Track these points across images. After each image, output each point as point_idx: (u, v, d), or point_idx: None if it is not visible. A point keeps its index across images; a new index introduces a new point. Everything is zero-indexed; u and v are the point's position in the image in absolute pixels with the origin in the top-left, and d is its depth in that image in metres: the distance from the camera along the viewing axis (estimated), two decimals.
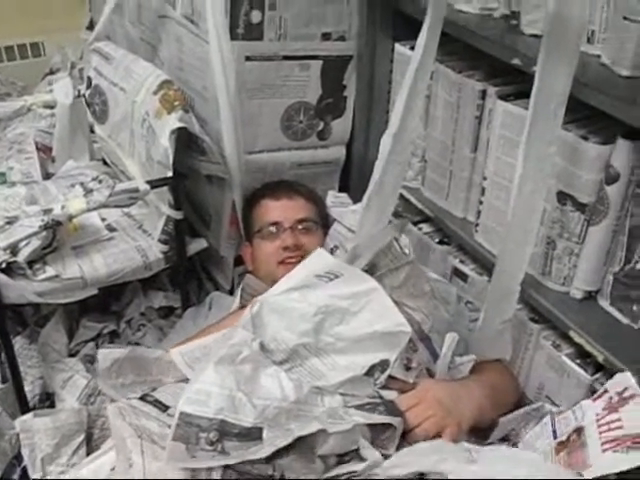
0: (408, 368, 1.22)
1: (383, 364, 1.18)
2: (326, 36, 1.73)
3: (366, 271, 1.34)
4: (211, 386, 1.05)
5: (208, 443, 1.01)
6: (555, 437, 1.15)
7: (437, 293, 1.41)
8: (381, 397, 1.16)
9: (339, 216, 1.70)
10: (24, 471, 1.37)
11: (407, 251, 1.45)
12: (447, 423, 1.17)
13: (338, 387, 1.16)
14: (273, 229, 1.66)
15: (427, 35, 1.28)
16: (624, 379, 1.11)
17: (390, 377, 1.19)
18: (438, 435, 1.15)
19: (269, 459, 1.01)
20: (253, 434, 1.03)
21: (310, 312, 1.21)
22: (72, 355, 1.77)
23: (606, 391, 1.12)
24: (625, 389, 1.09)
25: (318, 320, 1.20)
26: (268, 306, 1.24)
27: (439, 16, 1.27)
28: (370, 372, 1.18)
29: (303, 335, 1.19)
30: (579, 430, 1.10)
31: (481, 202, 1.49)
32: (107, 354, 1.30)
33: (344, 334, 1.20)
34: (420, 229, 1.72)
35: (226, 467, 1.01)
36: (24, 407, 1.62)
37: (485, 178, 1.45)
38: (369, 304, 1.22)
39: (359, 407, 1.12)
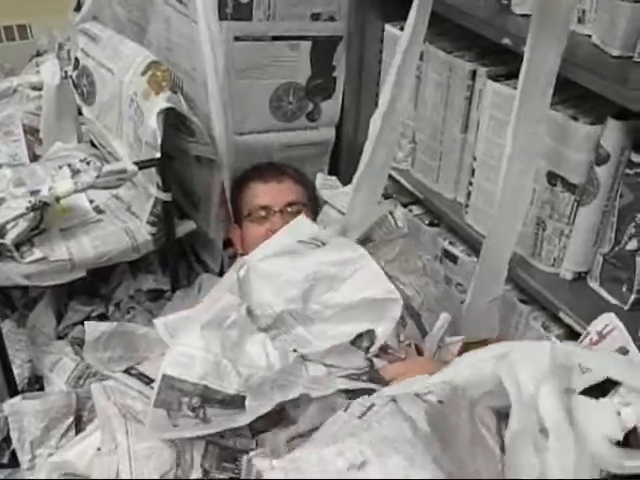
0: (399, 342, 1.22)
1: (370, 334, 1.17)
2: (315, 16, 1.72)
3: (360, 242, 1.34)
4: (196, 350, 1.04)
5: (190, 409, 1.00)
6: None
7: (428, 270, 1.41)
8: (372, 365, 1.16)
9: (330, 198, 1.70)
10: (13, 454, 1.37)
11: (401, 224, 1.45)
12: None
13: (324, 356, 1.15)
14: (263, 212, 1.66)
15: (416, 14, 1.27)
16: (607, 318, 1.08)
17: (381, 349, 1.19)
18: None
19: (253, 434, 1.01)
20: (236, 402, 1.02)
21: (299, 278, 1.20)
22: (60, 338, 1.77)
23: (588, 333, 1.10)
24: (606, 326, 1.06)
25: (307, 287, 1.20)
26: (255, 271, 1.22)
27: None
28: (356, 342, 1.17)
29: (290, 302, 1.19)
30: None
31: (471, 183, 1.48)
32: (94, 326, 1.30)
33: (332, 301, 1.19)
34: (410, 211, 1.72)
35: (208, 442, 1.00)
36: (13, 390, 1.61)
37: (475, 159, 1.45)
38: (358, 271, 1.22)
39: (343, 377, 1.12)
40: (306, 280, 1.20)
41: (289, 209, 1.65)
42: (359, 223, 1.41)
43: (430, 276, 1.47)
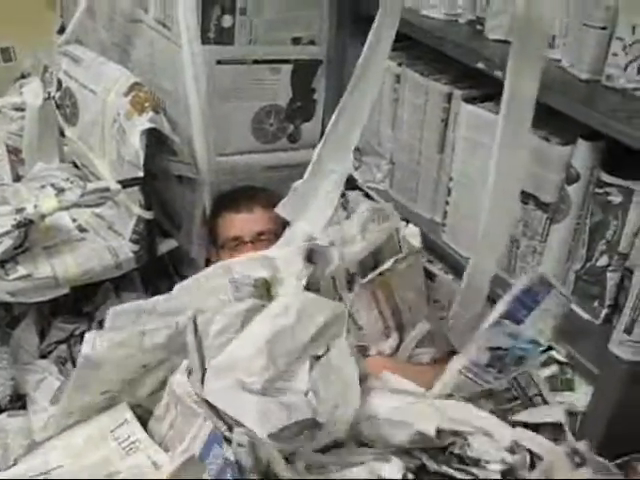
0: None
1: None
2: (296, 41, 1.76)
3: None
4: None
5: None
6: None
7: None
8: None
9: None
10: None
11: (413, 241, 1.47)
12: None
13: None
14: (234, 243, 1.70)
15: (377, 32, 1.30)
16: None
17: None
18: None
19: None
20: None
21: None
22: (43, 356, 1.77)
23: None
24: None
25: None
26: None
27: (393, 11, 1.29)
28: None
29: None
30: None
31: (447, 202, 1.52)
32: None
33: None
34: None
35: None
36: None
37: (451, 179, 1.49)
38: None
39: None
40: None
41: (261, 237, 1.69)
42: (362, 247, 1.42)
43: None
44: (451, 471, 1.02)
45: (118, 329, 1.15)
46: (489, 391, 1.19)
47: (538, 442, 1.04)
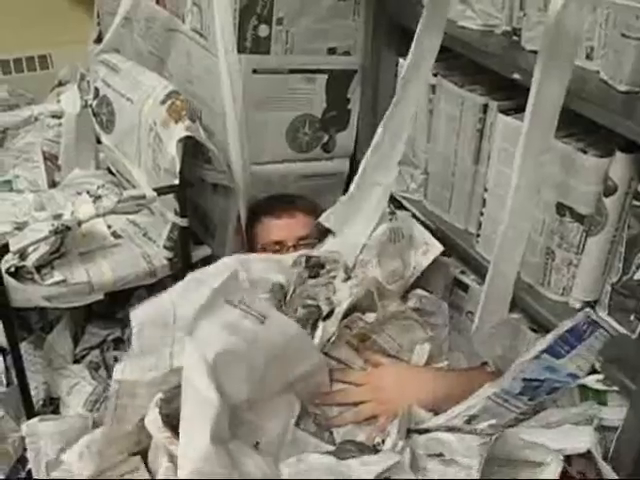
0: None
1: None
2: (331, 51, 1.77)
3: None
4: None
5: None
6: None
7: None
8: None
9: None
10: (28, 475, 1.39)
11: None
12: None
13: None
14: (276, 247, 1.69)
15: (420, 44, 1.32)
16: None
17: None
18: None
19: None
20: None
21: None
22: (76, 361, 1.80)
23: None
24: None
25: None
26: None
27: (436, 20, 1.31)
28: None
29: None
30: None
31: (482, 213, 1.51)
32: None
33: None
34: None
35: None
36: (30, 411, 1.64)
37: (486, 190, 1.48)
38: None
39: None
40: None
41: (302, 242, 1.69)
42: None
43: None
44: None
45: (146, 353, 1.17)
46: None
47: None
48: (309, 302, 1.32)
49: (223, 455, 1.03)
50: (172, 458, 1.07)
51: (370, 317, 1.33)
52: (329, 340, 1.29)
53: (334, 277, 1.39)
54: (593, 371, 1.22)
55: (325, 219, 1.56)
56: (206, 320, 1.12)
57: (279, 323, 1.18)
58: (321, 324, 1.29)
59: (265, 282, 1.32)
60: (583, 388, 1.26)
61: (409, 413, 1.18)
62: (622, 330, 1.29)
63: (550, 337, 1.12)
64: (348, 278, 1.40)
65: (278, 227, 1.72)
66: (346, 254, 1.43)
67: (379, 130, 1.43)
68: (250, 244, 1.80)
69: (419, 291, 1.50)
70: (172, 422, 1.07)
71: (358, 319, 1.32)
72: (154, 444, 1.15)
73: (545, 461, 1.10)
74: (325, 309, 1.32)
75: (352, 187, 1.51)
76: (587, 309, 1.20)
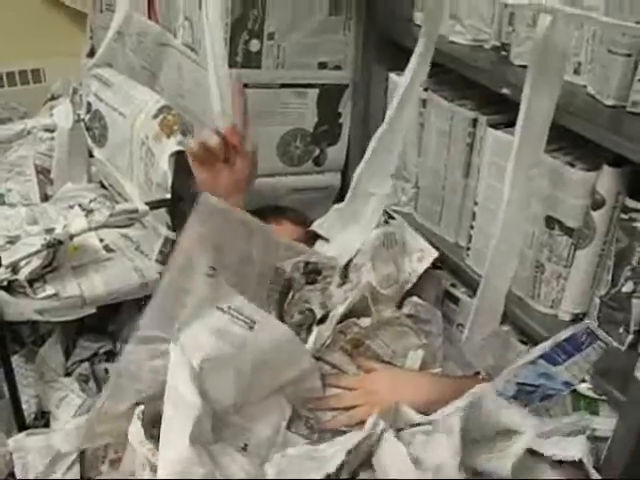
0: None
1: None
2: (322, 65, 1.78)
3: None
4: None
5: None
6: None
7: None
8: None
9: None
10: None
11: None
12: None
13: None
14: None
15: (417, 61, 1.33)
16: None
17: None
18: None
19: None
20: None
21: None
22: (68, 374, 1.80)
23: None
24: None
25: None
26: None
27: (430, 44, 1.32)
28: None
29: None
30: None
31: (472, 227, 1.53)
32: None
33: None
34: None
35: None
36: (21, 425, 1.63)
37: (476, 203, 1.49)
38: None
39: None
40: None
41: None
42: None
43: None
44: None
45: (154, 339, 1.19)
46: None
47: None
48: (305, 306, 1.33)
49: (204, 456, 1.04)
50: (154, 469, 1.08)
51: (365, 322, 1.35)
52: (323, 344, 1.30)
53: (330, 283, 1.39)
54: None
55: (318, 226, 1.57)
56: (195, 325, 1.14)
57: (269, 328, 1.19)
58: (315, 328, 1.30)
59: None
60: (575, 395, 1.26)
61: (397, 410, 1.18)
62: (611, 342, 1.30)
63: (548, 344, 1.13)
64: (343, 283, 1.41)
65: None
66: (341, 260, 1.44)
67: (372, 143, 1.44)
68: None
69: (414, 299, 1.50)
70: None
71: (353, 324, 1.34)
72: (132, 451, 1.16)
73: (520, 429, 1.12)
74: (319, 313, 1.33)
75: (347, 197, 1.52)
76: (588, 321, 1.22)
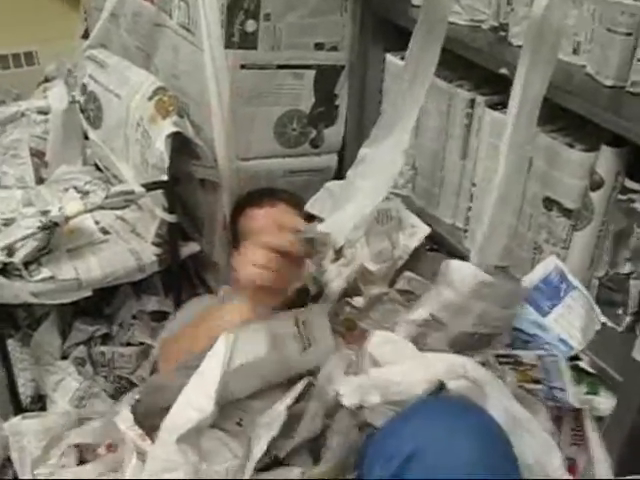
0: None
1: None
2: (319, 46, 1.77)
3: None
4: None
5: None
6: None
7: None
8: None
9: None
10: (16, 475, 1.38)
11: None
12: None
13: None
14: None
15: (418, 45, 1.31)
16: None
17: None
18: None
19: None
20: None
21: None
22: (64, 357, 1.79)
23: None
24: None
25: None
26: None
27: (433, 26, 1.30)
28: None
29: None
30: None
31: (470, 208, 1.52)
32: None
33: None
34: None
35: None
36: (18, 409, 1.64)
37: (474, 184, 1.49)
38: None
39: None
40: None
41: None
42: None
43: None
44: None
45: None
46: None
47: None
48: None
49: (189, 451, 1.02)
50: (141, 456, 1.05)
51: (358, 301, 1.33)
52: None
53: (322, 258, 1.39)
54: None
55: (310, 206, 1.56)
56: (259, 324, 1.10)
57: (322, 351, 1.13)
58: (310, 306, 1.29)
59: None
60: (577, 371, 1.26)
61: None
62: (609, 324, 1.30)
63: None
64: (337, 259, 1.40)
65: (259, 215, 1.71)
66: (335, 235, 1.42)
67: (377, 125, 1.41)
68: (234, 239, 1.80)
69: (408, 273, 1.49)
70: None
71: (345, 304, 1.32)
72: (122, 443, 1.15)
73: None
74: (313, 289, 1.32)
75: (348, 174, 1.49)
76: (552, 255, 1.23)
